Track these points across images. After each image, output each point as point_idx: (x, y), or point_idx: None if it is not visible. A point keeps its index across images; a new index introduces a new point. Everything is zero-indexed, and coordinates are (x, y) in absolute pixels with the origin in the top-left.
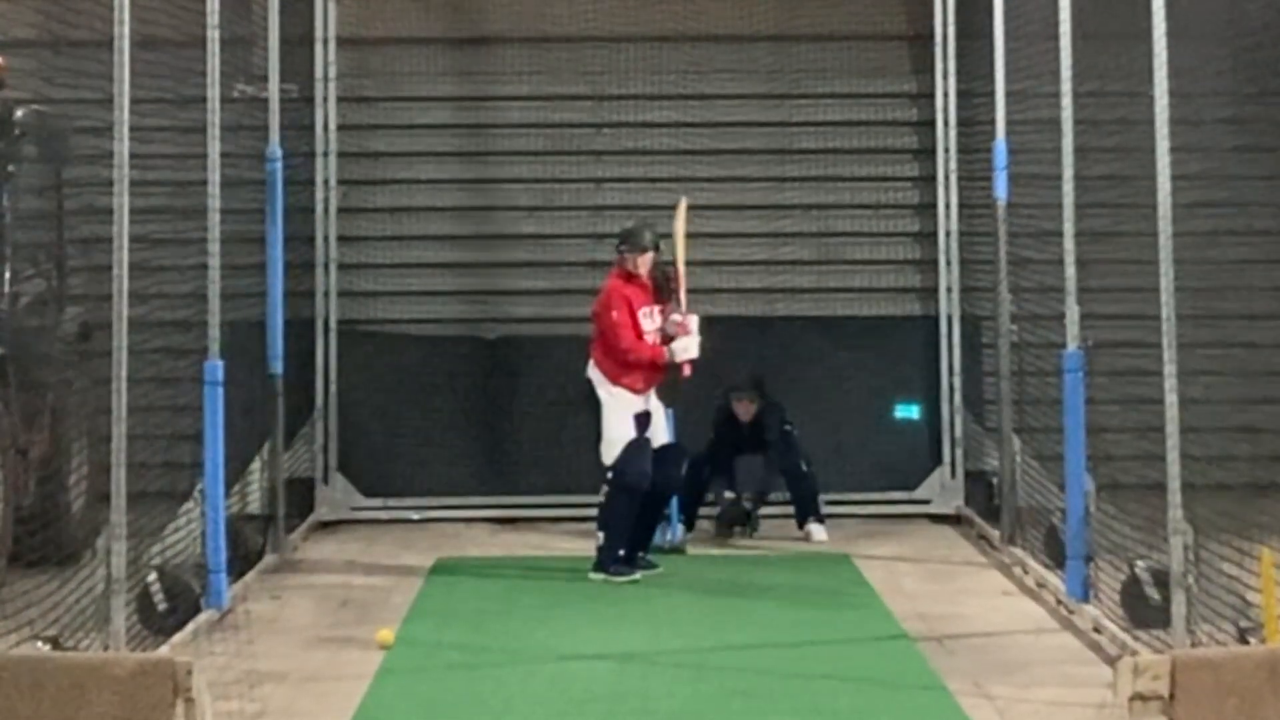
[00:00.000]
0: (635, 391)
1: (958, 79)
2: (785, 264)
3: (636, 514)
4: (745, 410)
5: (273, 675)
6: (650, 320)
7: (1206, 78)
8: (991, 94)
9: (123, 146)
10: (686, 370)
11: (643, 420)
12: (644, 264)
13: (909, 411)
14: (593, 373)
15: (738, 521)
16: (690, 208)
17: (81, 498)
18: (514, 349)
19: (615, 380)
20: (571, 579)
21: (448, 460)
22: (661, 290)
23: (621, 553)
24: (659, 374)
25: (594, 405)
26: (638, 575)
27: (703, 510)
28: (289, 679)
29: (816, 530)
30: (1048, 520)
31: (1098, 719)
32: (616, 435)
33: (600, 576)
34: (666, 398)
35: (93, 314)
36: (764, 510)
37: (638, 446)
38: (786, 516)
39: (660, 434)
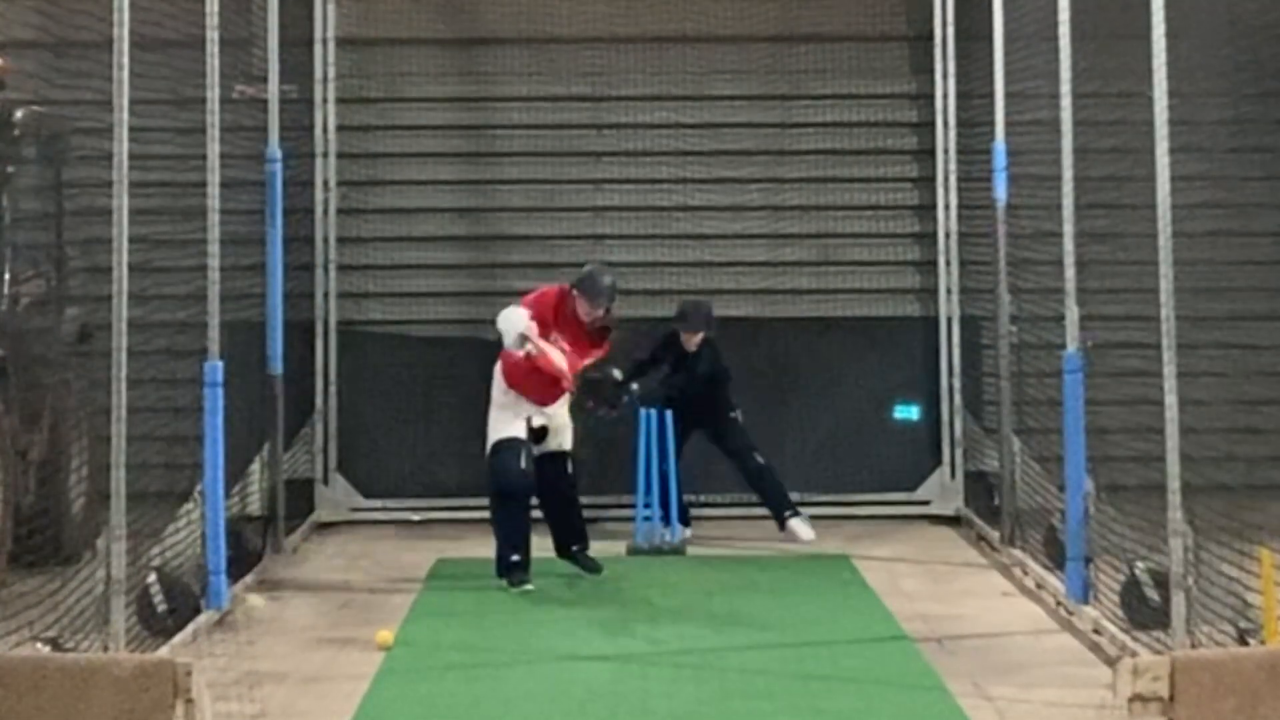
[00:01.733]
0: (528, 399)
1: (957, 80)
2: (785, 265)
3: (518, 518)
4: (690, 341)
5: (272, 676)
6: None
7: (1206, 78)
8: (991, 95)
9: (122, 148)
10: (566, 385)
11: (536, 432)
12: (588, 314)
13: (908, 412)
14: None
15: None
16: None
17: (81, 498)
18: None
19: (509, 383)
20: (571, 580)
21: (448, 461)
22: (588, 339)
23: (516, 559)
24: (554, 390)
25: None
26: (530, 586)
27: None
28: (289, 680)
29: (800, 527)
30: (1047, 521)
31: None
32: (489, 435)
33: (504, 581)
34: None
35: (92, 315)
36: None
37: (504, 447)
38: (761, 518)
39: (558, 443)
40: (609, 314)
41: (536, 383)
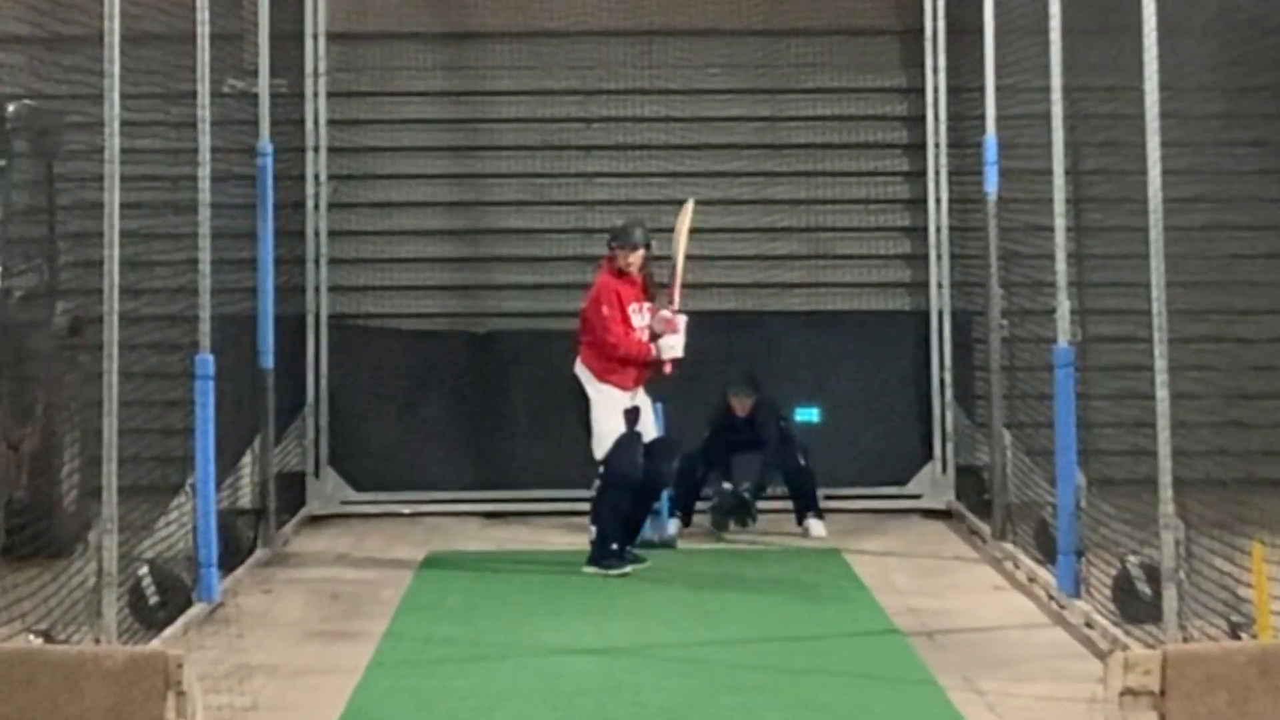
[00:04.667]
0: (623, 388)
1: (948, 74)
2: (776, 259)
3: (629, 508)
4: (741, 406)
5: (264, 669)
6: (639, 316)
7: (1197, 72)
8: (982, 89)
9: (113, 142)
10: (668, 368)
11: (631, 415)
12: (635, 260)
13: (809, 415)
14: (580, 370)
15: (736, 513)
16: (681, 203)
17: (73, 492)
18: (504, 343)
19: (603, 377)
20: (563, 573)
21: (438, 454)
22: (650, 288)
23: (615, 546)
24: (646, 370)
25: (580, 402)
26: (629, 569)
27: (700, 505)
28: (280, 673)
29: (815, 525)
30: (1039, 515)
31: (1089, 714)
32: (606, 430)
33: (593, 570)
34: (654, 392)
35: (84, 308)
36: (760, 505)
37: (628, 441)
38: (782, 511)
39: (649, 428)
40: (647, 261)
41: (632, 370)
